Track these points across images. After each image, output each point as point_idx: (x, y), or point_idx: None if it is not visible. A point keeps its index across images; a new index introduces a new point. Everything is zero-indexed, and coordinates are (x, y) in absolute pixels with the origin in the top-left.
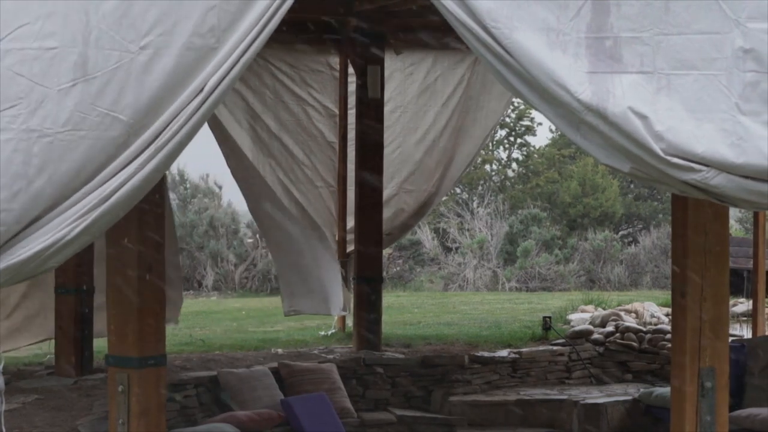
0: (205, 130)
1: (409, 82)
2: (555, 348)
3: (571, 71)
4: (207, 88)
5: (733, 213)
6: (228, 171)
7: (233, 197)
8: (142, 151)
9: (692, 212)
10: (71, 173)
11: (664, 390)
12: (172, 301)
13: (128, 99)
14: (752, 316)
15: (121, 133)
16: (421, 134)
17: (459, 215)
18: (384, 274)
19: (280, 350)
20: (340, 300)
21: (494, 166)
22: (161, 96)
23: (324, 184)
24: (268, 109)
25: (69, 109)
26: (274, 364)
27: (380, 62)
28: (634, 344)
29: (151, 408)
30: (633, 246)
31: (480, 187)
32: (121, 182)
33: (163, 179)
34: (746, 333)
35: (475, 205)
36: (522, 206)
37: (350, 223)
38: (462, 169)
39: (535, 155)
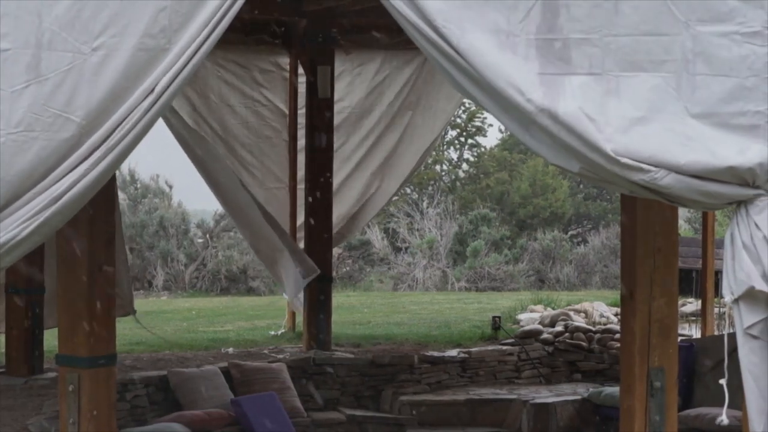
0: (156, 131)
1: (357, 82)
2: (504, 348)
3: (521, 72)
4: (158, 89)
5: (682, 213)
6: (177, 172)
7: (183, 197)
8: (93, 151)
9: (641, 212)
10: (23, 174)
11: (613, 389)
12: (125, 294)
13: (81, 100)
14: (701, 316)
15: (73, 134)
16: (366, 133)
17: (409, 215)
18: (334, 273)
19: (230, 350)
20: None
21: (445, 167)
22: (113, 96)
23: (280, 184)
24: (213, 112)
25: (22, 110)
26: (225, 364)
27: (330, 63)
28: (584, 344)
29: (101, 407)
30: (582, 246)
31: (430, 188)
32: (72, 182)
33: (113, 177)
34: (695, 333)
35: (424, 205)
36: (472, 206)
37: (300, 221)
38: (411, 169)
39: (486, 156)
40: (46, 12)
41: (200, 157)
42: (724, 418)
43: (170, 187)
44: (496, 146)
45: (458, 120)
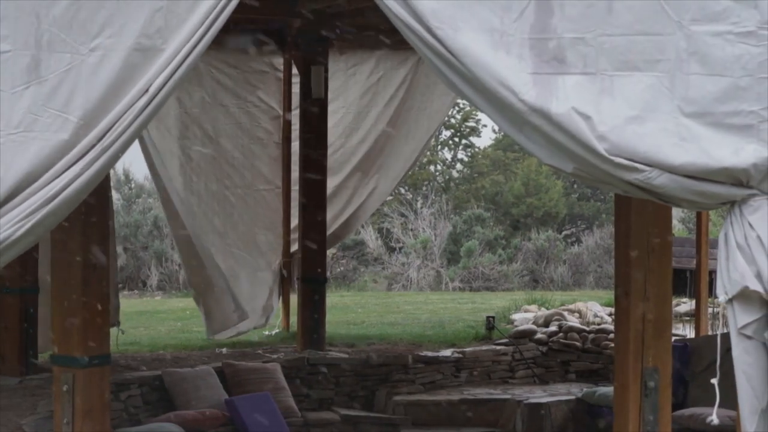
0: None
1: (352, 83)
2: (498, 348)
3: (514, 72)
4: (153, 89)
5: (676, 213)
6: None
7: None
8: (87, 151)
9: (635, 212)
10: (21, 174)
11: (607, 389)
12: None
13: (79, 100)
14: (695, 316)
15: (71, 134)
16: (363, 134)
17: (403, 215)
18: (328, 273)
19: (224, 350)
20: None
21: (439, 167)
22: (109, 96)
23: (271, 186)
24: (206, 113)
25: (22, 111)
26: (219, 364)
27: (324, 63)
28: (578, 344)
29: (95, 407)
30: (576, 246)
31: (424, 188)
32: (67, 182)
33: (107, 177)
34: (689, 333)
35: (419, 205)
36: (466, 206)
37: (294, 223)
38: (405, 170)
39: (480, 156)
40: (44, 13)
41: (163, 183)
42: (714, 418)
43: None
44: (490, 146)
45: (452, 120)
